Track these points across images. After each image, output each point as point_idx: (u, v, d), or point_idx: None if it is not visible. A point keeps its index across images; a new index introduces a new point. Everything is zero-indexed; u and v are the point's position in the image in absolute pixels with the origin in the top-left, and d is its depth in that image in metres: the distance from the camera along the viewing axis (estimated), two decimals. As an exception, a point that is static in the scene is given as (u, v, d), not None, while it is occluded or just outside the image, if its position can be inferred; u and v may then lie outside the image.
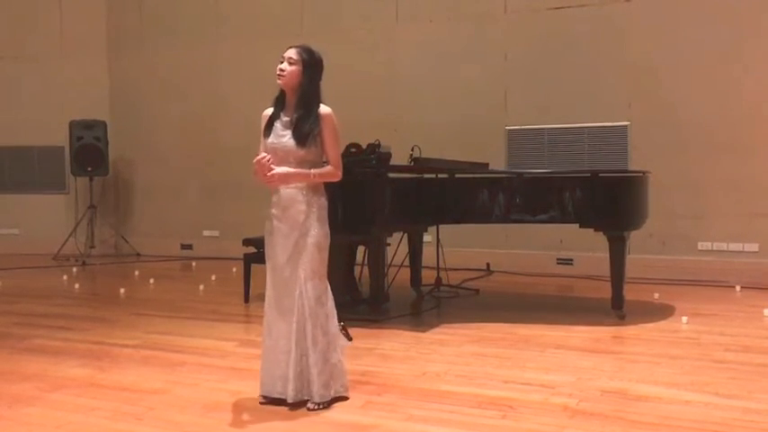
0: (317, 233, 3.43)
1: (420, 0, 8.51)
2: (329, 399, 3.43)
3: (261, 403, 3.48)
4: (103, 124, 9.77)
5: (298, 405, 3.42)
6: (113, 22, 10.40)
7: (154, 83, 10.11)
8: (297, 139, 3.40)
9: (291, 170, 3.39)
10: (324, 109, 3.47)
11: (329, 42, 8.98)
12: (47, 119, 10.00)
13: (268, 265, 3.53)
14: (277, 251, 3.47)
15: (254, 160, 3.36)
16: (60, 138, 9.87)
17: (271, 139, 3.46)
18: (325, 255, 3.49)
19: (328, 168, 3.47)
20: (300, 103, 3.44)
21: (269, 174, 3.34)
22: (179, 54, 9.92)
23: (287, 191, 3.44)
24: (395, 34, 8.64)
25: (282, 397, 3.43)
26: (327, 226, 3.50)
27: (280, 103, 3.51)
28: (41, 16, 10.21)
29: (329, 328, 3.47)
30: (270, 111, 3.53)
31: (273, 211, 3.48)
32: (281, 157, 3.41)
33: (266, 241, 3.53)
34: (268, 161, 3.35)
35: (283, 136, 3.43)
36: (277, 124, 3.47)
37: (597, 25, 7.64)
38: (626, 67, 7.51)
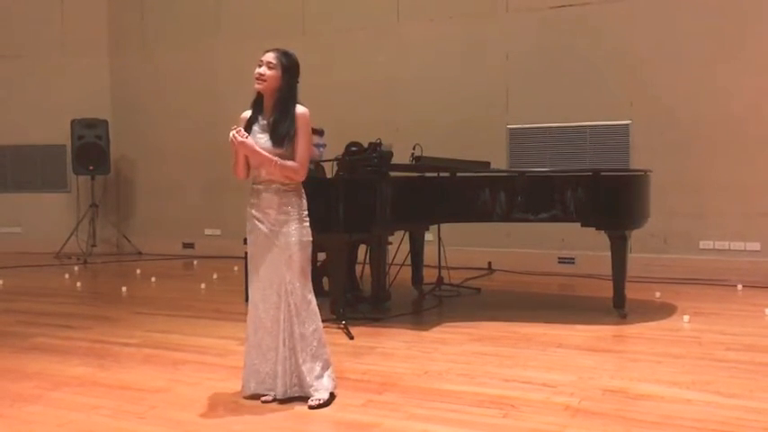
0: (298, 232, 3.47)
1: (421, -1, 8.52)
2: (326, 392, 3.45)
3: (266, 402, 3.49)
4: (105, 123, 9.79)
5: (295, 403, 3.43)
6: (115, 21, 10.41)
7: (155, 81, 10.12)
8: (274, 141, 3.43)
9: (257, 148, 3.41)
10: (299, 109, 3.49)
11: (330, 42, 9.06)
12: (48, 118, 10.02)
13: (250, 264, 3.56)
14: (259, 250, 3.51)
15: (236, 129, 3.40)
16: (62, 136, 9.88)
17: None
18: (309, 252, 3.53)
19: (293, 163, 3.47)
20: (278, 106, 3.47)
21: (240, 139, 3.37)
22: (180, 53, 9.93)
23: (267, 192, 3.47)
24: (396, 33, 8.63)
25: (271, 392, 3.47)
26: (308, 224, 3.53)
27: (258, 106, 3.54)
28: (43, 16, 10.22)
29: (317, 324, 3.51)
30: (247, 113, 3.56)
31: (253, 211, 3.52)
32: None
33: (248, 242, 3.57)
34: (239, 131, 3.40)
35: (261, 138, 3.46)
36: (255, 127, 3.50)
37: (598, 24, 7.63)
38: (627, 66, 7.51)
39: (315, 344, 3.48)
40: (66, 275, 8.06)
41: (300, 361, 3.45)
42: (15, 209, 10.16)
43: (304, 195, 3.56)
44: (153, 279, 7.67)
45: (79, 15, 10.29)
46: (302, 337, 3.45)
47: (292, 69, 3.50)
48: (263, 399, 3.50)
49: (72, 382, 3.91)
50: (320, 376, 3.47)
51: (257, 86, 3.48)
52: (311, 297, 3.52)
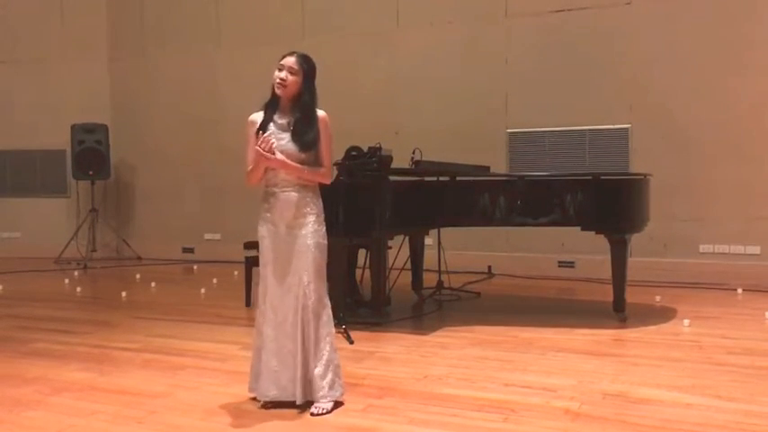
0: (316, 234, 3.43)
1: (421, 4, 8.52)
2: (331, 401, 3.42)
3: (267, 407, 3.47)
4: (105, 128, 9.79)
5: (301, 407, 3.42)
6: (114, 25, 10.42)
7: (155, 86, 10.13)
8: (301, 146, 3.40)
9: (287, 160, 3.39)
10: (320, 113, 3.47)
11: (330, 46, 9.07)
12: (48, 123, 10.03)
13: (265, 269, 3.50)
14: (276, 255, 3.45)
15: (261, 139, 3.32)
16: (62, 141, 9.89)
17: None
18: (325, 255, 3.49)
19: (321, 169, 3.47)
20: (299, 109, 3.44)
21: (270, 156, 3.33)
22: (180, 57, 9.94)
23: (284, 193, 3.43)
24: (396, 38, 8.64)
25: (292, 400, 3.41)
26: (325, 227, 3.50)
27: (272, 108, 3.49)
28: (42, 20, 10.24)
29: (330, 328, 3.47)
30: (257, 116, 3.51)
31: (268, 215, 3.48)
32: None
33: (262, 246, 3.51)
34: (270, 143, 3.32)
35: (282, 139, 3.42)
36: (271, 127, 3.45)
37: (598, 28, 7.64)
38: (627, 70, 7.51)
39: (327, 348, 3.43)
40: (66, 280, 8.06)
41: (312, 365, 3.40)
42: (15, 214, 10.17)
43: (320, 196, 3.53)
44: (153, 284, 7.66)
45: (79, 21, 10.30)
46: (316, 342, 3.41)
47: (312, 73, 3.48)
48: (263, 404, 3.49)
49: (71, 387, 3.90)
50: (332, 382, 3.42)
51: (278, 92, 3.43)
52: (327, 300, 3.47)
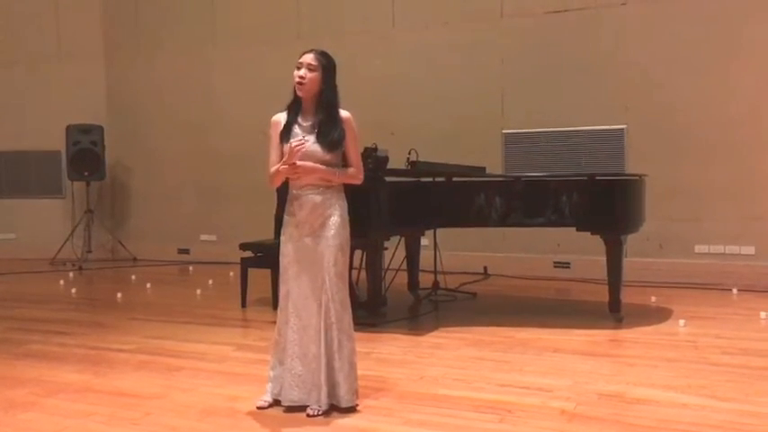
0: (339, 236, 3.39)
1: (416, 5, 8.52)
2: (355, 403, 3.41)
3: (258, 408, 3.47)
4: (100, 129, 9.76)
5: (296, 410, 3.42)
6: (110, 27, 10.39)
7: (151, 87, 10.10)
8: (327, 146, 3.37)
9: (318, 166, 3.36)
10: (344, 113, 3.45)
11: (326, 47, 9.02)
12: (44, 123, 9.99)
13: (286, 273, 3.45)
14: (299, 258, 3.40)
15: (293, 145, 3.27)
16: (57, 142, 9.85)
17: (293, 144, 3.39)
18: (347, 258, 3.46)
19: (352, 170, 3.47)
20: (321, 108, 3.41)
21: (297, 164, 3.30)
22: (176, 58, 9.92)
23: (308, 196, 3.39)
24: (391, 39, 8.64)
25: (316, 404, 3.36)
26: (349, 230, 3.46)
27: (295, 110, 3.45)
28: (38, 21, 10.20)
29: (352, 332, 3.45)
30: (280, 116, 3.47)
31: (292, 218, 3.43)
32: (303, 161, 3.36)
33: (285, 249, 3.46)
34: (300, 149, 3.27)
35: (307, 141, 3.37)
36: (296, 129, 3.41)
37: (593, 29, 7.65)
38: (622, 71, 7.52)
39: (349, 352, 3.40)
40: (62, 282, 8.04)
41: (338, 367, 3.37)
42: (10, 215, 10.12)
43: (345, 198, 3.49)
44: (148, 285, 7.64)
45: (74, 21, 10.26)
46: (340, 344, 3.37)
47: (332, 70, 3.44)
48: (259, 405, 3.48)
49: (67, 388, 3.90)
50: (352, 386, 3.41)
51: (299, 92, 3.39)
52: (348, 303, 3.44)
